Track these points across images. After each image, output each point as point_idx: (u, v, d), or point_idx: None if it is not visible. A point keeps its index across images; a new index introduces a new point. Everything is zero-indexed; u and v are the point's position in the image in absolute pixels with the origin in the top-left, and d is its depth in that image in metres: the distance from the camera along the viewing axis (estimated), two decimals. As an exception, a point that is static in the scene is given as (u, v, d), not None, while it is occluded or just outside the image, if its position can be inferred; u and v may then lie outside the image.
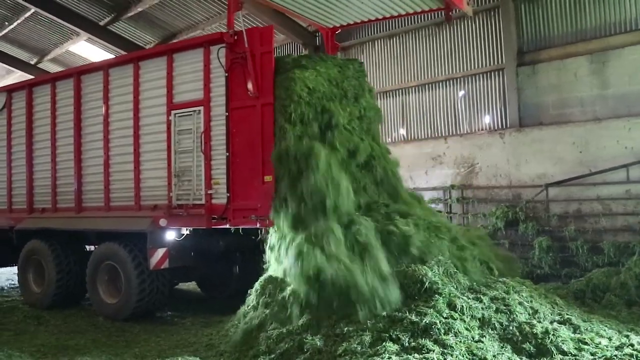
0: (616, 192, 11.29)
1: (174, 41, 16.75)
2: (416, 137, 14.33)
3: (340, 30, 10.54)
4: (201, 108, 8.83)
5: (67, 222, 10.48)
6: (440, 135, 13.99)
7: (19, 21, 18.61)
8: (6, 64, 21.26)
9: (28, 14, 17.89)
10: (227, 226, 8.60)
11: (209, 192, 8.73)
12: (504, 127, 13.05)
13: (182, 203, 8.99)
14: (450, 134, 13.82)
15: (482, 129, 13.40)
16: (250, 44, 8.22)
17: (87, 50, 18.96)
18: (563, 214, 11.88)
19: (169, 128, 9.17)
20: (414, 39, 14.56)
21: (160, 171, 9.32)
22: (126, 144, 9.75)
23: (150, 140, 9.49)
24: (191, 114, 8.95)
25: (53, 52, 20.51)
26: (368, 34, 15.42)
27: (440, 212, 12.28)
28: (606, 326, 6.94)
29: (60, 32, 19.05)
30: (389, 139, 14.63)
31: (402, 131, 14.39)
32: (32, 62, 21.31)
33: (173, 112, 9.14)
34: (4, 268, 13.23)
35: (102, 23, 17.56)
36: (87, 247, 10.63)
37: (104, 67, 10.17)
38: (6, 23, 19.08)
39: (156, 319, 9.75)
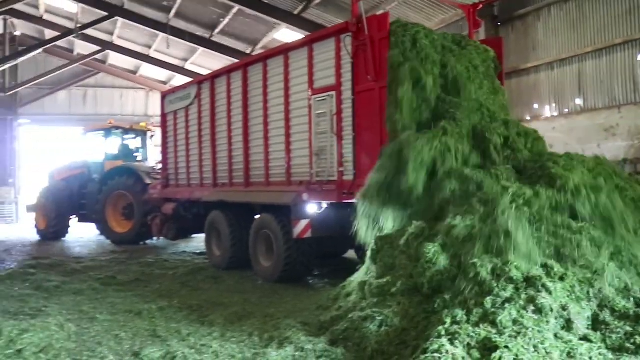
0: None
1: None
2: (589, 107, 13.26)
3: (481, 7, 10.39)
4: (334, 93, 9.60)
5: (236, 195, 12.07)
6: (614, 104, 12.73)
7: (229, 17, 21.19)
8: (228, 55, 24.07)
9: (235, 10, 20.29)
10: (354, 200, 9.27)
11: (340, 169, 9.51)
12: (690, 92, 11.50)
13: (319, 179, 9.90)
14: (627, 102, 12.50)
15: (665, 96, 11.94)
16: (369, 31, 8.75)
17: (289, 36, 20.60)
18: None
19: (310, 112, 10.11)
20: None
21: (304, 150, 10.32)
22: (280, 126, 10.92)
23: (297, 123, 10.52)
24: (326, 99, 9.77)
25: (262, 41, 22.76)
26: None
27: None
28: None
29: (264, 23, 21.11)
30: (566, 110, 13.78)
31: (579, 101, 13.42)
32: (248, 52, 23.86)
33: (313, 97, 10.05)
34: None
35: (295, 12, 19.12)
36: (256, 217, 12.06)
37: (262, 60, 11.43)
38: (221, 20, 21.84)
39: (308, 284, 10.79)
